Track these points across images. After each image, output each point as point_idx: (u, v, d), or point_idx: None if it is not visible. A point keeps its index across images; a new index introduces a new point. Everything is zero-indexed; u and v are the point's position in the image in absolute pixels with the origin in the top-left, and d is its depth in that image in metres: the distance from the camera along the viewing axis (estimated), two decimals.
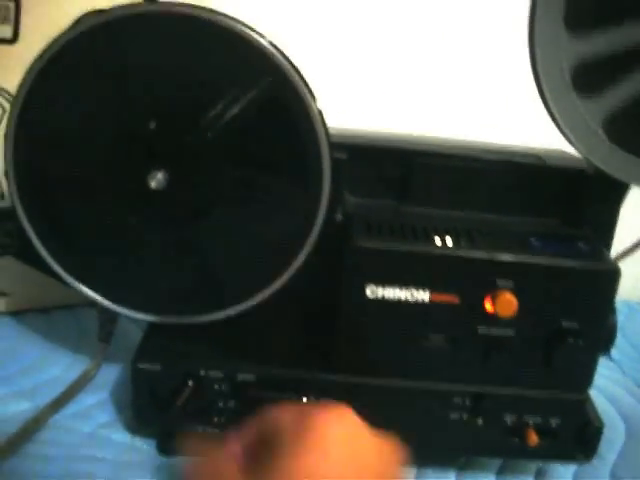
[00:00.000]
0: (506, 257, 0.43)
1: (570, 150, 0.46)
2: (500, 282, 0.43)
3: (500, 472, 0.52)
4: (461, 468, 0.52)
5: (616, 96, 0.43)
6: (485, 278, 0.43)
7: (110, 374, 0.57)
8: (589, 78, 0.43)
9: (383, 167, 0.48)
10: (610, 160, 0.45)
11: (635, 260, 0.66)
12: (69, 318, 0.67)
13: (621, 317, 0.80)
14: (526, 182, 0.49)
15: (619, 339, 0.76)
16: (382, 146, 0.49)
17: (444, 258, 0.43)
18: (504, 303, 0.43)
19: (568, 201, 0.49)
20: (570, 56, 0.43)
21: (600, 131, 0.44)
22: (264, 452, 0.36)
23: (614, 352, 0.70)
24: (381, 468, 0.36)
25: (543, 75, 0.43)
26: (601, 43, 0.42)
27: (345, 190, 0.48)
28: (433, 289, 0.43)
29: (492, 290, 0.43)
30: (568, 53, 0.42)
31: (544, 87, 0.43)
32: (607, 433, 0.56)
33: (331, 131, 0.42)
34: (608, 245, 0.49)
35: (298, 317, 0.50)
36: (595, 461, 0.50)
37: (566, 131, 0.44)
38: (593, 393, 0.61)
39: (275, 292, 0.45)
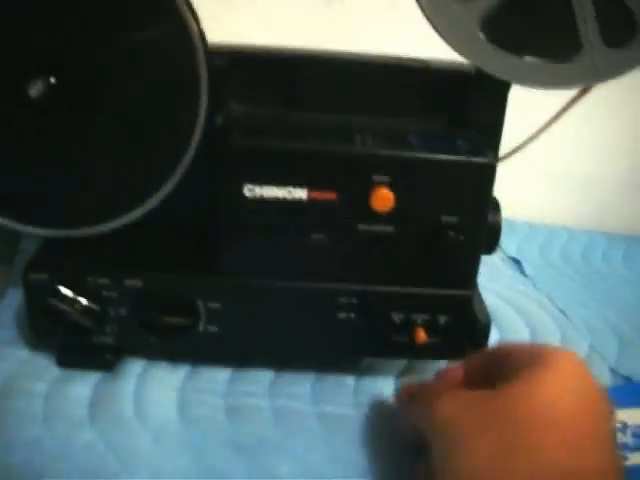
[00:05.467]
0: (380, 151, 0.44)
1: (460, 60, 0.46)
2: (376, 177, 0.44)
3: (400, 376, 0.53)
4: (361, 373, 0.53)
5: None
6: (361, 173, 0.43)
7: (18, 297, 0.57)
8: None
9: (267, 74, 0.48)
10: (490, 60, 0.45)
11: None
12: None
13: (542, 240, 0.82)
14: (412, 85, 0.49)
15: (537, 259, 0.78)
16: (265, 53, 0.49)
17: (319, 154, 0.43)
18: (380, 198, 0.44)
19: (453, 104, 0.49)
20: None
21: (478, 32, 0.44)
22: (488, 380, 0.38)
23: (528, 268, 0.72)
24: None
25: None
26: None
27: (231, 99, 0.48)
28: (310, 186, 0.44)
29: (369, 185, 0.44)
30: None
31: None
32: (511, 337, 0.58)
33: (215, 45, 0.42)
34: (495, 147, 0.50)
35: (186, 226, 0.50)
36: None
37: (445, 35, 0.44)
38: (501, 305, 0.63)
39: (160, 201, 0.45)
